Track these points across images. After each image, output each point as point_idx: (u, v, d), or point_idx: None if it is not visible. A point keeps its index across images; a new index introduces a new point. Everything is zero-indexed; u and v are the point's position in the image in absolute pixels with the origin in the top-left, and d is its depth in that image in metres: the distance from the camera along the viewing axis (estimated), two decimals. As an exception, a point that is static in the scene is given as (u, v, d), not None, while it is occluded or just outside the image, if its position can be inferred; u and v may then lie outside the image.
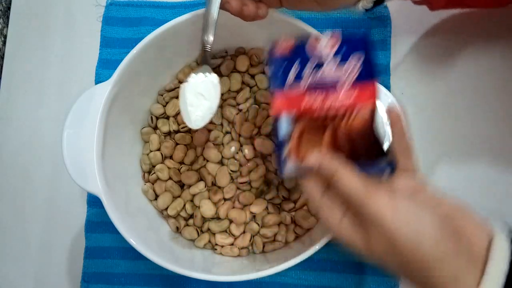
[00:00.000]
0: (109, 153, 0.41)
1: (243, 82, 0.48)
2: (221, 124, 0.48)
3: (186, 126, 0.48)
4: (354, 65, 0.33)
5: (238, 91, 0.48)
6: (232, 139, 0.48)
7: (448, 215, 0.29)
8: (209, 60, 0.40)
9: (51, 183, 0.53)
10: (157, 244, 0.43)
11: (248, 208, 0.45)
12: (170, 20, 0.42)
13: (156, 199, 0.47)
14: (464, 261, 0.28)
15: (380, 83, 0.40)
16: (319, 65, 0.34)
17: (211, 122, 0.48)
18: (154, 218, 0.47)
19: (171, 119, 0.48)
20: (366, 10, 0.39)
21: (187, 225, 0.47)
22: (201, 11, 0.41)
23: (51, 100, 0.55)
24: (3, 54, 0.57)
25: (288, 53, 0.34)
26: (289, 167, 0.34)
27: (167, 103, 0.49)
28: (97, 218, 0.51)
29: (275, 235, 0.45)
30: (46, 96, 0.55)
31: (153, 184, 0.48)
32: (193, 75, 0.40)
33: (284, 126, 0.34)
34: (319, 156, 0.32)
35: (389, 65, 0.51)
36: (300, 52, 0.34)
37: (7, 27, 0.58)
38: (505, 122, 0.49)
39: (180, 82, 0.49)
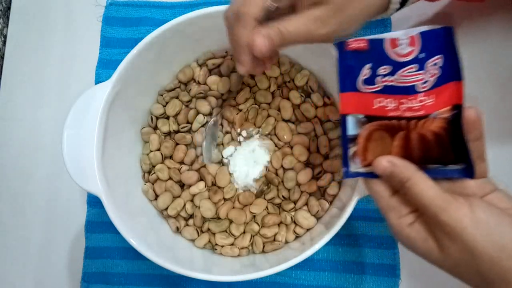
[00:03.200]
0: (109, 153, 0.41)
1: (243, 82, 0.48)
2: (221, 124, 0.48)
3: (186, 126, 0.48)
4: (435, 66, 0.31)
5: (238, 91, 0.48)
6: (232, 139, 0.48)
7: None
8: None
9: (51, 183, 0.53)
10: (157, 244, 0.43)
11: (248, 208, 0.45)
12: (170, 20, 0.42)
13: (156, 199, 0.47)
14: None
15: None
16: (396, 67, 0.32)
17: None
18: (154, 218, 0.47)
19: (171, 119, 0.48)
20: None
21: (187, 225, 0.47)
22: (200, 11, 0.41)
23: (51, 100, 0.55)
24: (3, 54, 0.57)
25: (361, 52, 0.33)
26: (354, 169, 0.33)
27: (167, 103, 0.49)
28: (97, 218, 0.51)
29: (275, 235, 0.45)
30: (46, 96, 0.55)
31: (153, 184, 0.48)
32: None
33: (350, 127, 0.33)
34: (391, 161, 0.31)
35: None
36: (374, 52, 0.32)
37: (7, 27, 0.58)
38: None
39: (180, 82, 0.49)
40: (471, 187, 0.31)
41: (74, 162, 0.39)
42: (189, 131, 0.48)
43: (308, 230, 0.46)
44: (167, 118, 0.49)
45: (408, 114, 0.32)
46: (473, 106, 0.30)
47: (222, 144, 0.48)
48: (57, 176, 0.53)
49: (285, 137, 0.47)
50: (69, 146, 0.39)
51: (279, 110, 0.48)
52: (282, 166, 0.46)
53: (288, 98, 0.48)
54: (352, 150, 0.33)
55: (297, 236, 0.46)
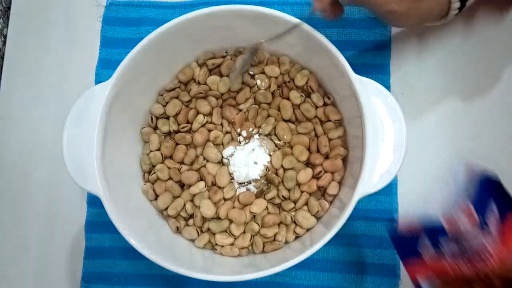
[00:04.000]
0: (109, 153, 0.41)
1: (243, 82, 0.48)
2: (221, 124, 0.48)
3: (186, 126, 0.48)
4: (493, 219, 0.31)
5: (238, 91, 0.48)
6: (232, 139, 0.48)
7: None
8: None
9: (51, 183, 0.53)
10: (157, 244, 0.43)
11: (248, 208, 0.45)
12: (170, 20, 0.42)
13: (156, 199, 0.47)
14: None
15: (380, 83, 0.40)
16: (459, 239, 0.32)
17: (211, 122, 0.48)
18: (154, 218, 0.47)
19: (171, 119, 0.48)
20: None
21: (187, 225, 0.47)
22: (200, 11, 0.41)
23: (51, 100, 0.55)
24: (3, 54, 0.57)
25: (415, 232, 0.33)
26: None
27: (167, 103, 0.49)
28: (97, 218, 0.51)
29: (275, 235, 0.45)
30: (46, 96, 0.55)
31: (153, 184, 0.48)
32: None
33: None
34: None
35: (389, 65, 0.51)
36: (431, 233, 0.33)
37: (7, 27, 0.58)
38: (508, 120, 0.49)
39: (180, 82, 0.49)
40: None
41: (74, 162, 0.39)
42: (189, 131, 0.48)
43: (308, 230, 0.46)
44: (167, 118, 0.49)
45: (484, 268, 0.31)
46: None
47: (222, 144, 0.48)
48: (57, 176, 0.53)
49: (285, 137, 0.47)
50: (69, 146, 0.39)
51: (279, 110, 0.48)
52: (282, 166, 0.46)
53: (288, 98, 0.48)
54: None
55: (297, 236, 0.46)
